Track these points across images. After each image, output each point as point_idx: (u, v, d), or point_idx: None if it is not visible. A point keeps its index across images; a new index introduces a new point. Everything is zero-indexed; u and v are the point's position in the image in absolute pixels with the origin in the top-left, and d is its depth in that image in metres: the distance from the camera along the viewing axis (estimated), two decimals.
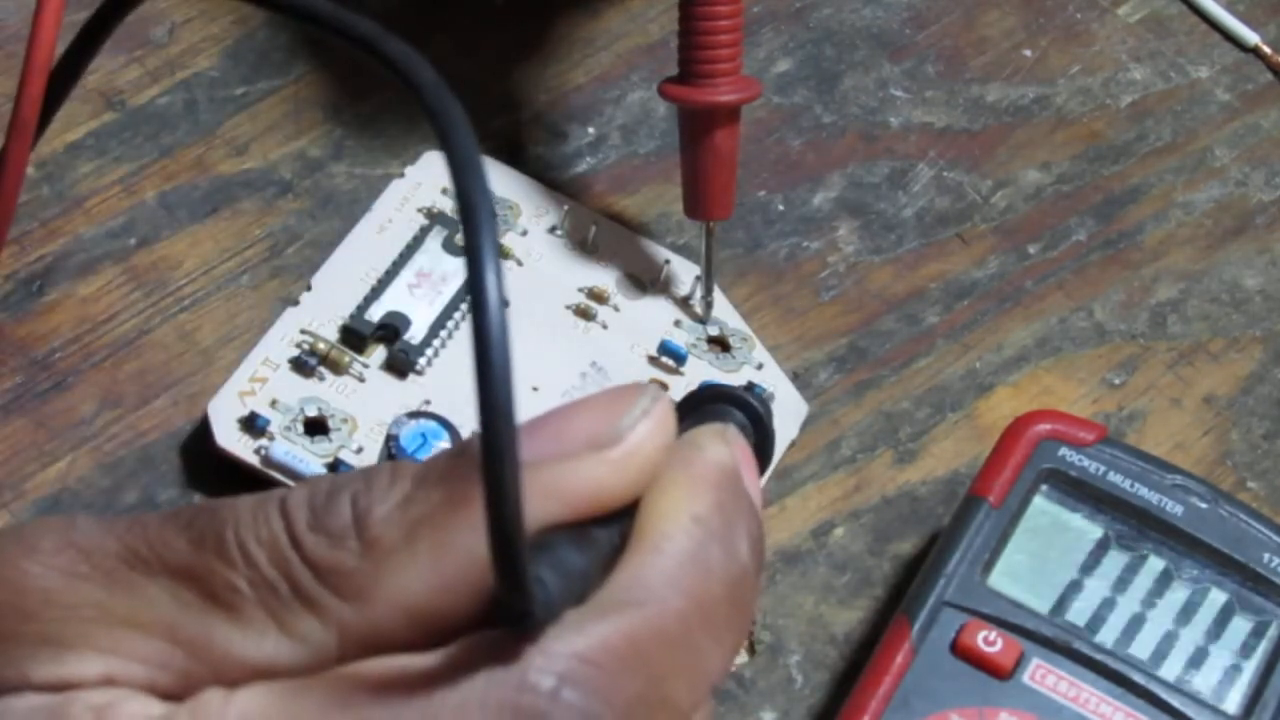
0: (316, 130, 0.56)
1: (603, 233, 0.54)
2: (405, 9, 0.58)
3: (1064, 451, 0.49)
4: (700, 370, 0.52)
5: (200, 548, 0.30)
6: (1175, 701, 0.45)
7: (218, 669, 0.30)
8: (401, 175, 0.55)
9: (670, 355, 0.52)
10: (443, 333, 0.51)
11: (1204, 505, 0.48)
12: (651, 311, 0.53)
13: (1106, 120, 0.59)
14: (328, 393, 0.50)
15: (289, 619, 0.30)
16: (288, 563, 0.30)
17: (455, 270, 0.52)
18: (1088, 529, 0.48)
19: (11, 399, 0.50)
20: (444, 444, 0.48)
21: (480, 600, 0.30)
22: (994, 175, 0.58)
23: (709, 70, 0.51)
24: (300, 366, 0.50)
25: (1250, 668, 0.46)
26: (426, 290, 0.52)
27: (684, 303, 0.53)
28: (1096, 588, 0.47)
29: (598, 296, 0.53)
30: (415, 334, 0.51)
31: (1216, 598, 0.47)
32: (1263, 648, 0.47)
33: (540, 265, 0.54)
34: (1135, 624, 0.47)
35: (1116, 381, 0.54)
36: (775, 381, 0.52)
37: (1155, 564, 0.48)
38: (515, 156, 0.56)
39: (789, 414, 0.52)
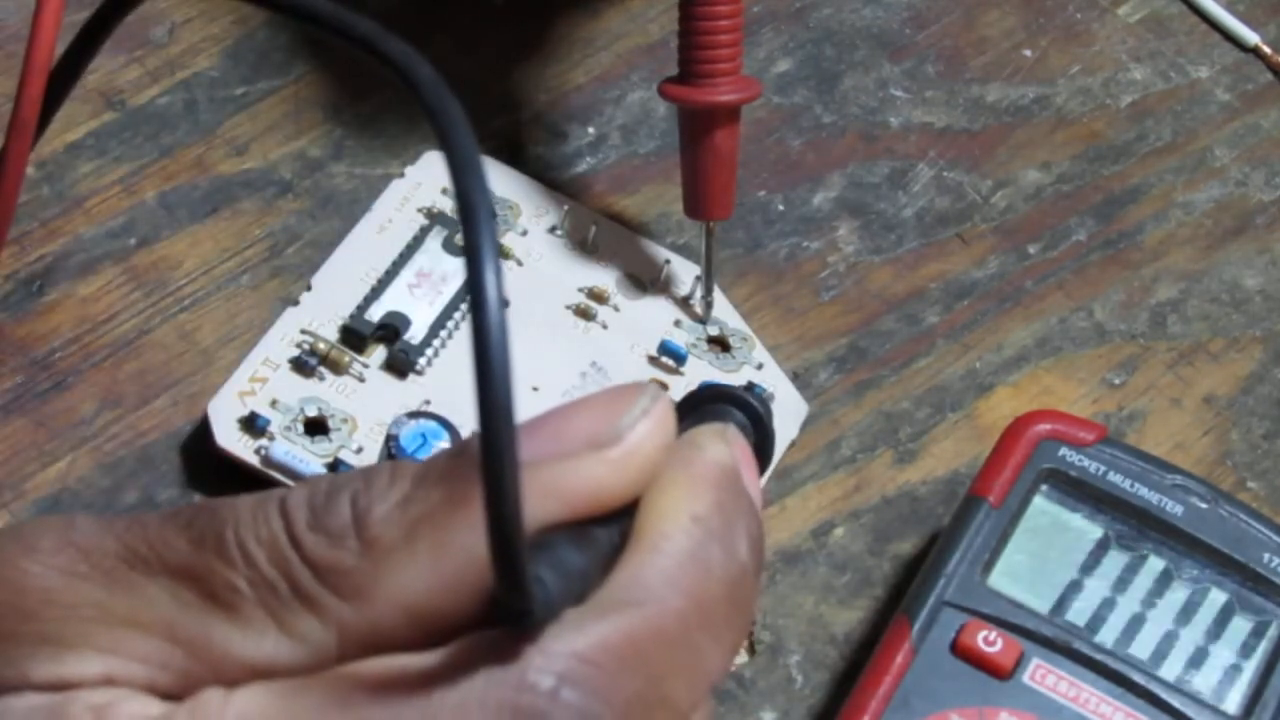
0: (316, 130, 0.56)
1: (603, 233, 0.54)
2: (405, 9, 0.58)
3: (1064, 451, 0.49)
4: (700, 370, 0.52)
5: (200, 547, 0.30)
6: (1175, 701, 0.45)
7: (217, 668, 0.30)
8: (401, 175, 0.55)
9: (670, 355, 0.52)
10: (443, 333, 0.51)
11: (1204, 505, 0.48)
12: (651, 311, 0.53)
13: (1106, 120, 0.59)
14: (328, 393, 0.50)
15: (288, 618, 0.30)
16: (287, 562, 0.30)
17: (455, 270, 0.52)
18: (1088, 529, 0.48)
19: (11, 399, 0.50)
20: (444, 444, 0.48)
21: (480, 600, 0.30)
22: (994, 175, 0.58)
23: (709, 70, 0.51)
24: (300, 366, 0.50)
25: (1250, 668, 0.46)
26: (426, 290, 0.52)
27: (684, 303, 0.53)
28: (1096, 588, 0.47)
29: (598, 296, 0.53)
30: (415, 334, 0.51)
31: (1216, 598, 0.47)
32: (1263, 648, 0.47)
33: (540, 265, 0.54)
34: (1135, 624, 0.47)
35: (1116, 381, 0.54)
36: (775, 381, 0.52)
37: (1155, 564, 0.48)
38: (515, 156, 0.56)
39: (789, 414, 0.52)
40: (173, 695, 0.30)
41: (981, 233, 0.57)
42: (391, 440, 0.48)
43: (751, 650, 0.49)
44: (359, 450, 0.49)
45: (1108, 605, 0.47)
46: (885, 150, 0.58)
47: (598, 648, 0.29)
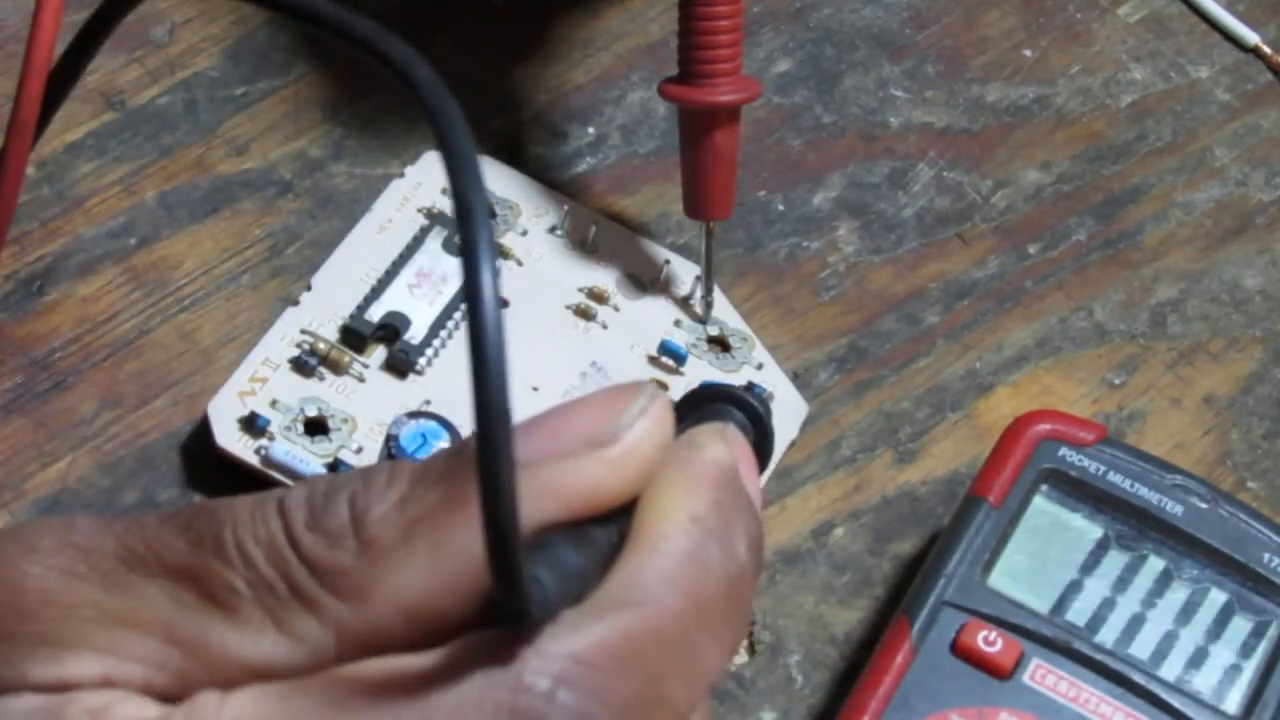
0: (316, 130, 0.56)
1: (603, 233, 0.54)
2: (405, 9, 0.58)
3: (1064, 451, 0.49)
4: (700, 370, 0.52)
5: (198, 548, 0.30)
6: (1175, 701, 0.45)
7: (215, 669, 0.30)
8: (401, 175, 0.55)
9: (670, 355, 0.52)
10: (443, 333, 0.51)
11: (1204, 505, 0.48)
12: (651, 311, 0.53)
13: (1106, 120, 0.59)
14: (328, 393, 0.50)
15: (286, 619, 0.30)
16: (285, 562, 0.30)
17: (455, 270, 0.52)
18: (1088, 529, 0.48)
19: (11, 399, 0.50)
20: (444, 444, 0.48)
21: (479, 600, 0.30)
22: (994, 175, 0.58)
23: (709, 70, 0.51)
24: (300, 366, 0.50)
25: (1250, 668, 0.46)
26: (426, 290, 0.52)
27: (684, 303, 0.53)
28: (1096, 588, 0.47)
29: (598, 296, 0.53)
30: (415, 334, 0.51)
31: (1216, 598, 0.47)
32: (1263, 648, 0.47)
33: (540, 265, 0.54)
34: (1135, 624, 0.47)
35: (1116, 381, 0.54)
36: (775, 381, 0.52)
37: (1155, 564, 0.48)
38: (515, 156, 0.56)
39: (789, 414, 0.52)
40: (171, 696, 0.30)
41: (981, 233, 0.57)
42: (391, 440, 0.48)
43: (751, 650, 0.49)
44: (359, 450, 0.49)
45: (1108, 605, 0.47)
46: (885, 150, 0.58)
47: (595, 648, 0.29)
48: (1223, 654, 0.47)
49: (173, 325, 0.52)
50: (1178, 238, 0.57)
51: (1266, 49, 0.61)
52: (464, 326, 0.51)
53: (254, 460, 0.49)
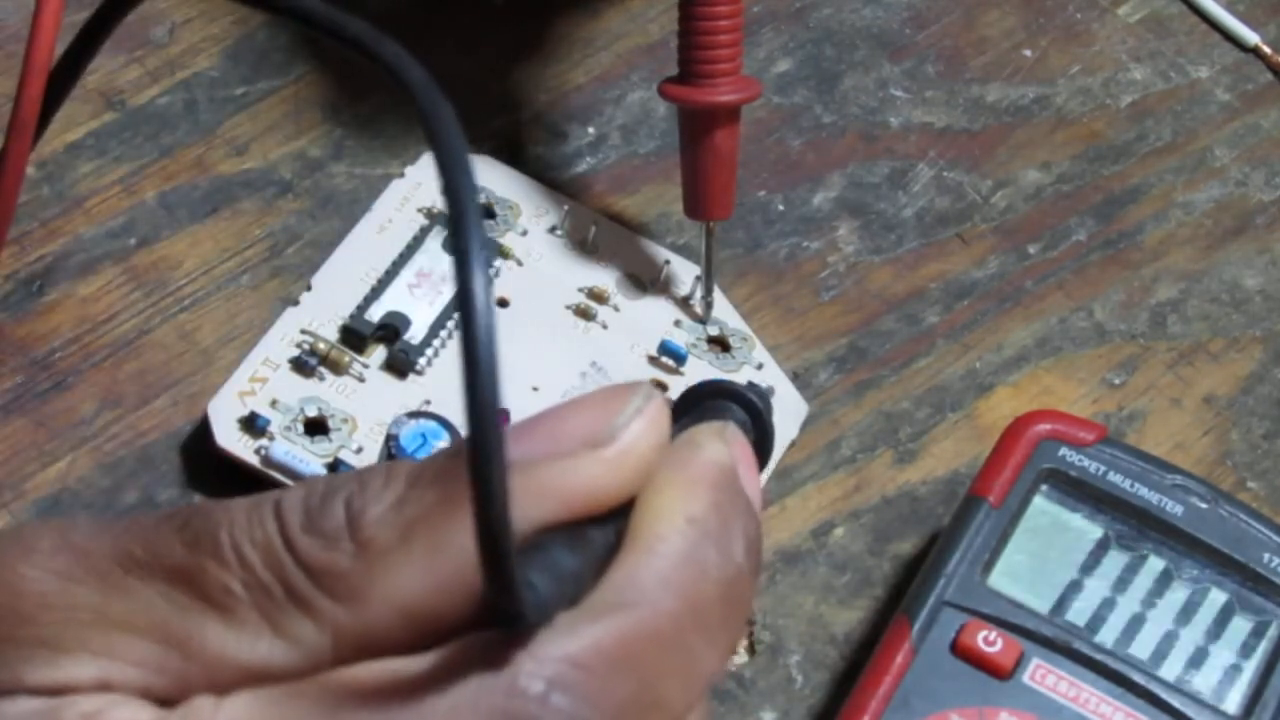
0: (316, 130, 0.56)
1: (603, 233, 0.54)
2: (405, 9, 0.58)
3: (1064, 451, 0.49)
4: (700, 370, 0.52)
5: (195, 549, 0.30)
6: (1175, 701, 0.45)
7: (212, 672, 0.30)
8: (401, 175, 0.55)
9: (670, 355, 0.52)
10: (443, 333, 0.51)
11: (1204, 505, 0.48)
12: (651, 311, 0.53)
13: (1106, 120, 0.59)
14: (328, 393, 0.50)
15: (283, 621, 0.30)
16: (281, 564, 0.30)
17: (452, 274, 0.52)
18: (1088, 529, 0.48)
19: (11, 399, 0.50)
20: (444, 444, 0.48)
21: (476, 601, 0.30)
22: (994, 175, 0.58)
23: (709, 70, 0.51)
24: (300, 366, 0.50)
25: (1250, 668, 0.46)
26: (426, 290, 0.52)
27: (684, 303, 0.53)
28: (1096, 588, 0.47)
29: (598, 296, 0.53)
30: (415, 334, 0.51)
31: (1216, 598, 0.47)
32: (1263, 648, 0.47)
33: (540, 265, 0.54)
34: (1135, 624, 0.47)
35: (1116, 381, 0.54)
36: (775, 381, 0.52)
37: (1155, 564, 0.48)
38: (515, 156, 0.56)
39: (789, 414, 0.52)
40: (168, 698, 0.30)
41: (981, 233, 0.57)
42: (391, 440, 0.48)
43: (751, 650, 0.49)
44: (359, 450, 0.49)
45: (1108, 605, 0.47)
46: (885, 150, 0.58)
47: (589, 651, 0.29)
48: (1223, 654, 0.47)
49: (173, 325, 0.52)
50: (1178, 238, 0.57)
51: (1266, 49, 0.61)
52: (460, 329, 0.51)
53: (254, 460, 0.49)
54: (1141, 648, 0.46)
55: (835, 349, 0.54)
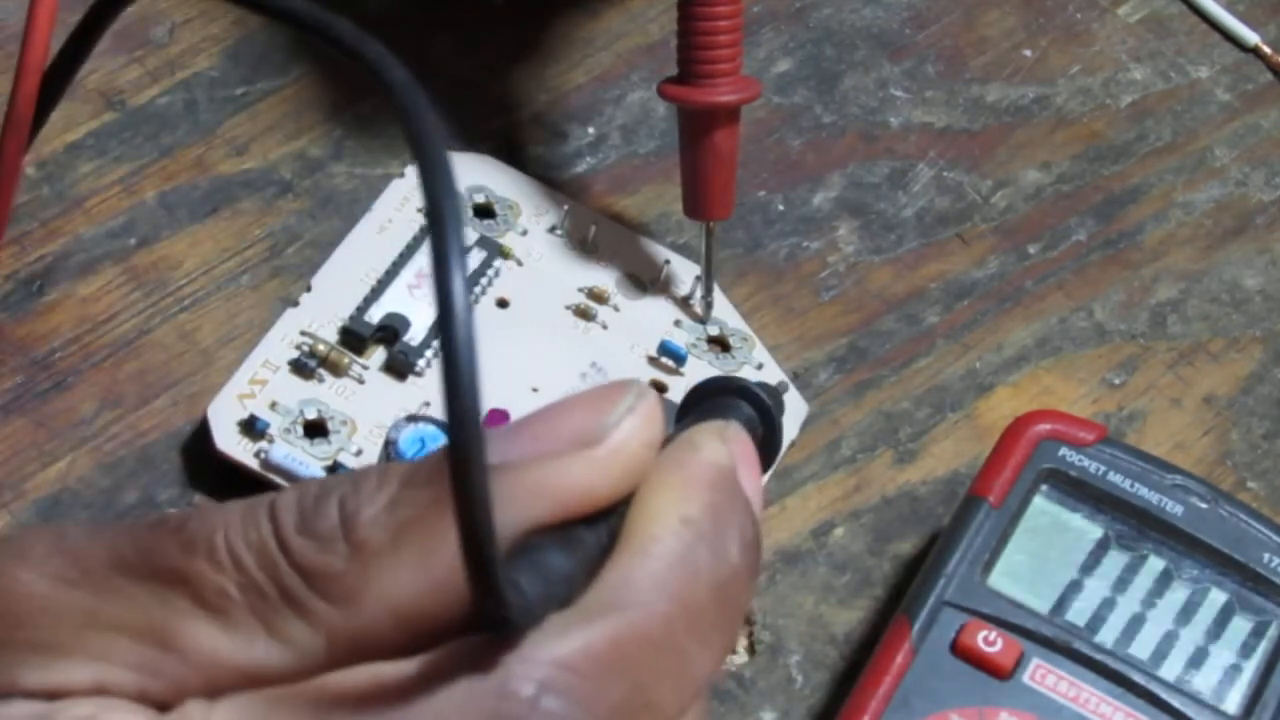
0: (316, 130, 0.56)
1: (603, 232, 0.54)
2: (405, 9, 0.58)
3: (1064, 451, 0.49)
4: (700, 371, 0.52)
5: (190, 552, 0.30)
6: (1175, 701, 0.45)
7: (207, 674, 0.30)
8: (401, 175, 0.55)
9: (670, 356, 0.52)
10: None
11: (1204, 505, 0.48)
12: (651, 311, 0.53)
13: (1106, 120, 0.59)
14: (327, 395, 0.50)
15: (277, 623, 0.30)
16: (276, 566, 0.30)
17: None
18: (1088, 529, 0.48)
19: (11, 399, 0.50)
20: None
21: (469, 603, 0.30)
22: (994, 175, 0.58)
23: (709, 70, 0.51)
24: (300, 368, 0.50)
25: (1250, 668, 0.46)
26: (426, 291, 0.52)
27: (684, 303, 0.53)
28: (1096, 588, 0.47)
29: (598, 296, 0.53)
30: (415, 336, 0.51)
31: (1216, 598, 0.47)
32: (1263, 648, 0.47)
33: (540, 265, 0.54)
34: (1135, 624, 0.47)
35: (1116, 381, 0.54)
36: (775, 382, 0.52)
37: (1155, 564, 0.48)
38: (515, 156, 0.56)
39: (789, 414, 0.52)
40: (162, 701, 0.30)
41: (981, 233, 0.57)
42: (390, 444, 0.48)
43: (751, 650, 0.49)
44: (358, 453, 0.49)
45: (1108, 605, 0.47)
46: (885, 150, 0.58)
47: (580, 654, 0.29)
48: (1223, 654, 0.47)
49: (173, 325, 0.52)
50: (1178, 238, 0.57)
51: (1266, 49, 0.61)
52: None
53: (253, 464, 0.49)
54: (1141, 648, 0.46)
55: (835, 349, 0.54)
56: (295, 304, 0.51)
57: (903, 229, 0.56)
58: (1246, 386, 0.55)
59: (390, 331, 0.51)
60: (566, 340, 0.52)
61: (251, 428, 0.49)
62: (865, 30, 0.60)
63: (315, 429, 0.49)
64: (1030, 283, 0.56)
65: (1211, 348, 0.55)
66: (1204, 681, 0.46)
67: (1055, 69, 0.60)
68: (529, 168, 0.55)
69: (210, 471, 0.50)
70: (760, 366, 0.53)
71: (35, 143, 0.46)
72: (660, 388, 0.52)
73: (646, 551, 0.30)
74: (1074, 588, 0.47)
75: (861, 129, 0.58)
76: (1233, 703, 0.46)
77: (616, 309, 0.53)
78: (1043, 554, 0.47)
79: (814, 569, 0.50)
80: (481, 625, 0.29)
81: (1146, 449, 0.50)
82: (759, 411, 0.36)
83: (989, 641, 0.45)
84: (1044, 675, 0.45)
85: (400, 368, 0.51)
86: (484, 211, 0.54)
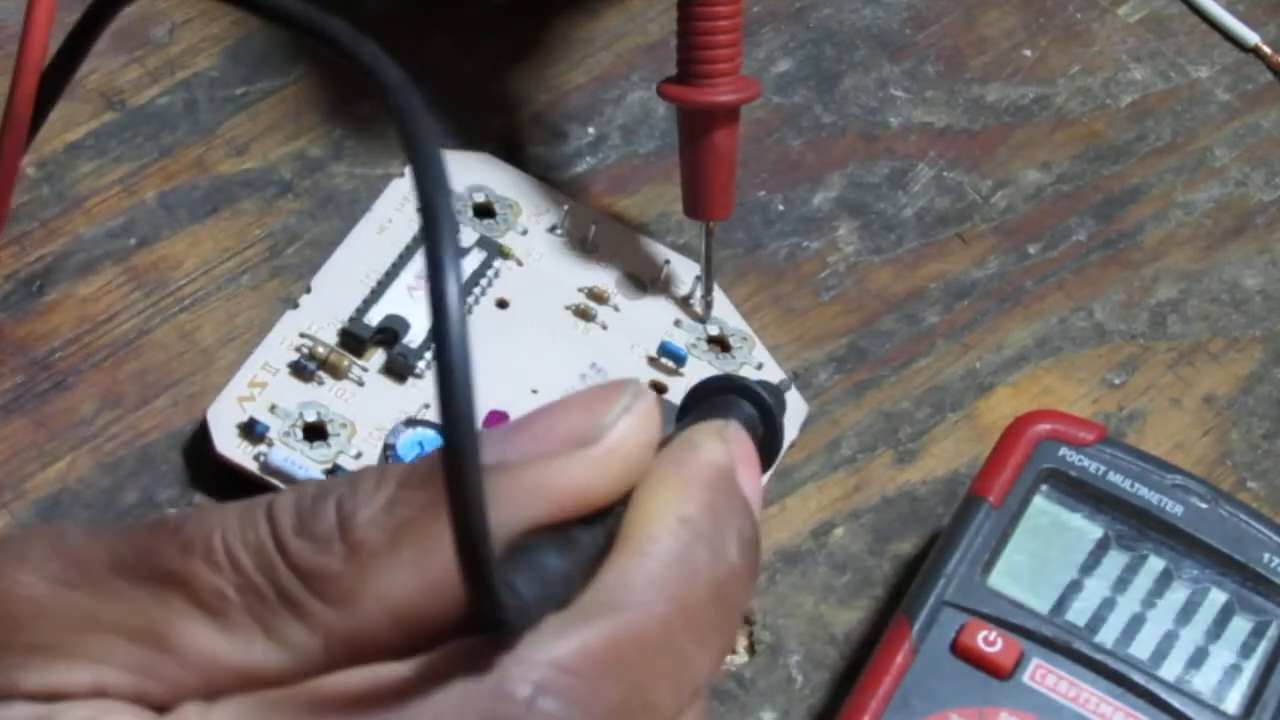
0: (316, 130, 0.56)
1: (603, 232, 0.54)
2: (405, 9, 0.58)
3: (1064, 451, 0.49)
4: (700, 371, 0.52)
5: (188, 553, 0.30)
6: (1175, 701, 0.45)
7: (205, 675, 0.30)
8: (401, 175, 0.55)
9: (670, 356, 0.52)
10: None
11: (1204, 505, 0.48)
12: (651, 312, 0.53)
13: (1106, 120, 0.59)
14: (327, 397, 0.50)
15: (275, 624, 0.30)
16: (273, 568, 0.30)
17: None
18: (1088, 529, 0.48)
19: (11, 399, 0.50)
20: None
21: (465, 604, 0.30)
22: (994, 175, 0.58)
23: (708, 70, 0.51)
24: (299, 371, 0.50)
25: (1250, 668, 0.46)
26: (426, 293, 0.52)
27: (684, 302, 0.53)
28: (1096, 588, 0.47)
29: (598, 296, 0.53)
30: (414, 337, 0.51)
31: (1216, 598, 0.47)
32: (1263, 648, 0.47)
33: (540, 265, 0.53)
34: (1135, 624, 0.47)
35: (1116, 381, 0.54)
36: (776, 381, 0.52)
37: (1155, 564, 0.48)
38: (515, 156, 0.56)
39: (789, 414, 0.52)
40: (161, 703, 0.30)
41: (981, 233, 0.57)
42: (389, 449, 0.48)
43: (751, 650, 0.49)
44: (358, 455, 0.49)
45: (1108, 605, 0.47)
46: (885, 150, 0.58)
47: (577, 655, 0.29)
48: (1223, 654, 0.47)
49: (173, 325, 0.52)
50: (1178, 238, 0.57)
51: (1266, 49, 0.61)
52: None
53: (253, 467, 0.49)
54: (1141, 648, 0.46)
55: (835, 349, 0.54)
56: (295, 306, 0.51)
57: (903, 229, 0.56)
58: (1246, 386, 0.55)
59: (390, 333, 0.51)
60: (566, 341, 0.52)
61: (251, 431, 0.49)
62: (865, 30, 0.60)
63: (315, 432, 0.49)
64: (1030, 283, 0.56)
65: (1211, 348, 0.55)
66: (1204, 681, 0.46)
67: (1055, 69, 0.60)
68: (529, 168, 0.55)
69: (210, 472, 0.50)
70: (760, 366, 0.53)
71: (35, 143, 0.46)
72: (660, 388, 0.52)
73: (644, 551, 0.30)
74: (1074, 588, 0.47)
75: (861, 129, 0.58)
76: (1233, 703, 0.46)
77: (616, 309, 0.53)
78: (1043, 554, 0.47)
79: (814, 569, 0.50)
80: (477, 627, 0.29)
81: (1146, 449, 0.50)
82: (760, 410, 0.36)
83: (989, 641, 0.45)
84: (1044, 675, 0.45)
85: (400, 370, 0.51)
86: (484, 211, 0.54)
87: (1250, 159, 0.59)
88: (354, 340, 0.51)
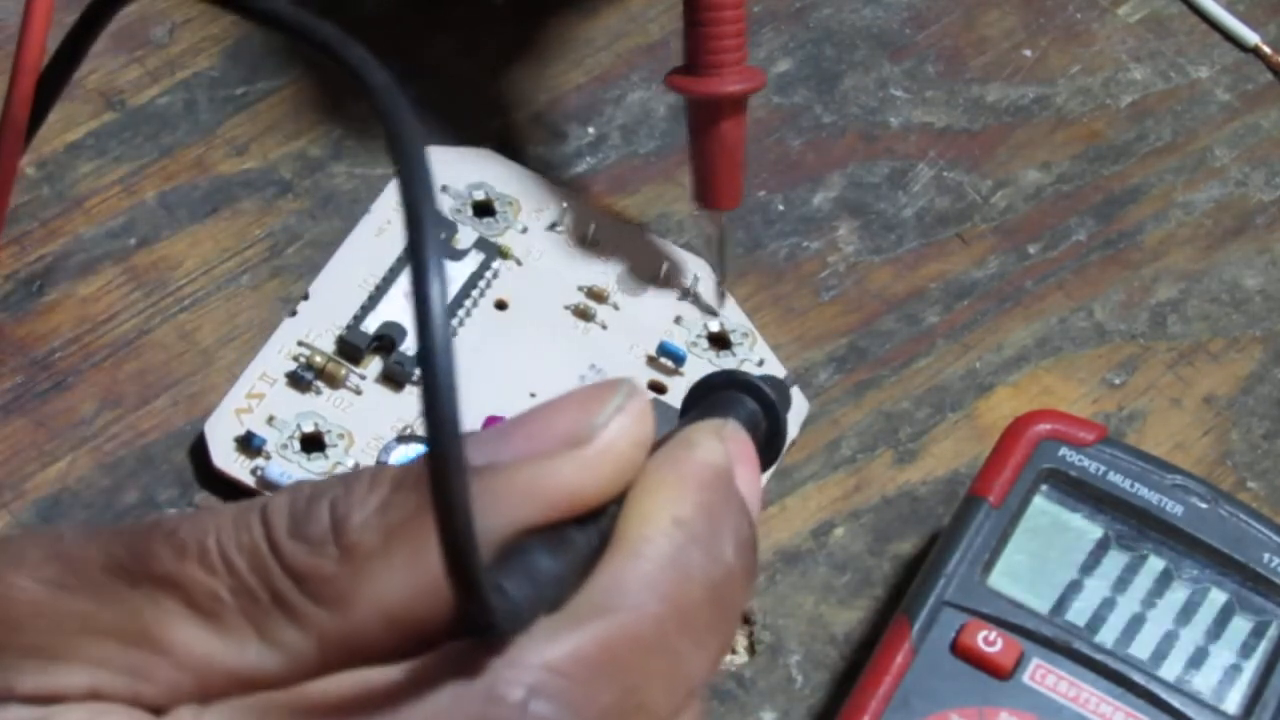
0: (316, 130, 0.56)
1: (603, 228, 0.54)
2: (404, 9, 0.58)
3: (1064, 451, 0.49)
4: (700, 370, 0.52)
5: (183, 556, 0.30)
6: (1175, 701, 0.45)
7: (200, 678, 0.30)
8: None
9: (669, 356, 0.52)
10: None
11: (1204, 505, 0.48)
12: (652, 309, 0.53)
13: (1106, 120, 0.59)
14: (324, 407, 0.50)
15: (269, 627, 0.30)
16: (267, 570, 0.30)
17: (451, 278, 0.52)
18: (1088, 529, 0.48)
19: (11, 399, 0.50)
20: None
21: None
22: (994, 175, 0.58)
23: (715, 61, 0.51)
24: (297, 381, 0.50)
25: (1250, 668, 0.46)
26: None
27: (687, 294, 0.53)
28: (1096, 588, 0.47)
29: (597, 295, 0.53)
30: (411, 345, 0.51)
31: (1216, 598, 0.47)
32: (1263, 648, 0.47)
33: (540, 264, 0.53)
34: (1135, 624, 0.47)
35: (1116, 381, 0.54)
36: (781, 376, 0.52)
37: (1155, 564, 0.48)
38: (515, 156, 0.56)
39: (790, 412, 0.52)
40: (157, 706, 0.30)
41: (981, 233, 0.57)
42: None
43: (751, 650, 0.49)
44: (355, 467, 0.49)
45: (1108, 605, 0.47)
46: (885, 150, 0.58)
47: (570, 658, 0.29)
48: (1223, 654, 0.47)
49: (173, 325, 0.52)
50: (1178, 238, 0.57)
51: (1266, 49, 0.61)
52: (459, 335, 0.52)
53: (250, 481, 0.48)
54: (1141, 648, 0.46)
55: (835, 349, 0.54)
56: (293, 314, 0.51)
57: (903, 229, 0.56)
58: (1246, 386, 0.55)
59: (387, 341, 0.51)
60: (566, 341, 0.52)
61: (248, 444, 0.49)
62: (865, 30, 0.60)
63: (312, 442, 0.49)
64: (1030, 283, 0.56)
65: (1211, 348, 0.55)
66: (1204, 681, 0.46)
67: (1055, 69, 0.60)
68: (529, 168, 0.55)
69: (210, 473, 0.50)
70: (762, 363, 0.53)
71: (35, 143, 0.46)
72: (659, 388, 0.52)
73: (638, 553, 0.30)
74: (1074, 588, 0.47)
75: (861, 129, 0.58)
76: (1233, 703, 0.46)
77: (616, 307, 0.53)
78: (1043, 554, 0.47)
79: (814, 569, 0.50)
80: (465, 631, 0.28)
81: (1146, 449, 0.50)
82: (763, 406, 0.36)
83: (989, 641, 0.45)
84: (1044, 675, 0.45)
85: (397, 377, 0.50)
86: (483, 209, 0.54)
87: (1250, 159, 0.59)
88: (351, 348, 0.51)
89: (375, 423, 0.50)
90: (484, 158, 0.55)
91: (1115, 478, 0.48)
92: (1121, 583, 0.47)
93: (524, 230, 0.54)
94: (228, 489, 0.49)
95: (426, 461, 0.27)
